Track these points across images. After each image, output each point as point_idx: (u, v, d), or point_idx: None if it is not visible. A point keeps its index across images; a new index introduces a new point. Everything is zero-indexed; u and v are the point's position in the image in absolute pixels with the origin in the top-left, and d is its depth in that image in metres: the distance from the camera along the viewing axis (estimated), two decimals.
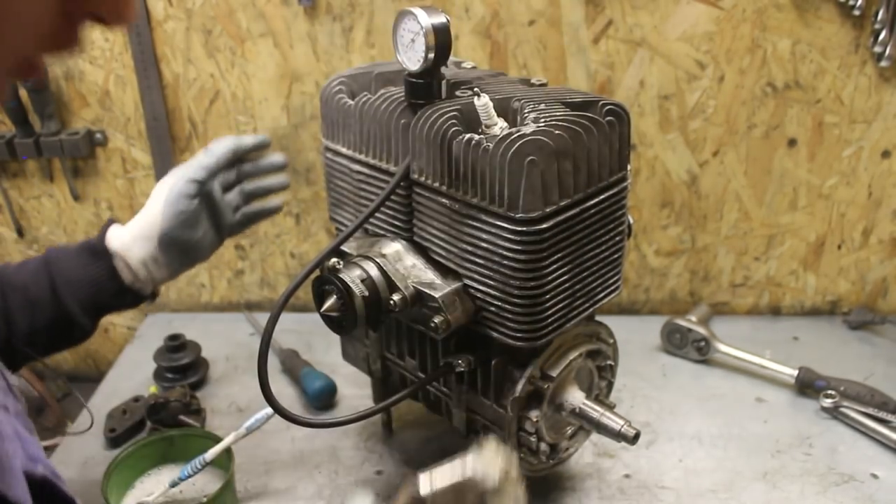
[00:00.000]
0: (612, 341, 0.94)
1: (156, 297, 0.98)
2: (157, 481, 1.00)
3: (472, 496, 0.64)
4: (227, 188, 0.99)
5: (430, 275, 0.84)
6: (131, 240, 0.92)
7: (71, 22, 0.41)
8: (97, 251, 0.92)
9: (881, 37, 1.17)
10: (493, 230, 0.78)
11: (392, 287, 0.83)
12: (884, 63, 1.19)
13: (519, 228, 0.76)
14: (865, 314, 1.33)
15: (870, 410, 1.11)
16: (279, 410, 0.83)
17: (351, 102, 0.90)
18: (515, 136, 0.75)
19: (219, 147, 0.96)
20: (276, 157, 1.01)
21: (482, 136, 0.78)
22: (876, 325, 1.33)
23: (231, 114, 1.31)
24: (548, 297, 0.80)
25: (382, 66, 0.95)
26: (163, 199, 0.92)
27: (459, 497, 0.63)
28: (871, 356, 1.27)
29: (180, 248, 0.93)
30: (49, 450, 1.13)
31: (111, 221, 0.95)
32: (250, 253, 1.42)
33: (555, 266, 0.79)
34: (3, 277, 0.90)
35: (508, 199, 0.76)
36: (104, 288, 0.91)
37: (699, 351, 1.25)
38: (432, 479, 0.63)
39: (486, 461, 0.64)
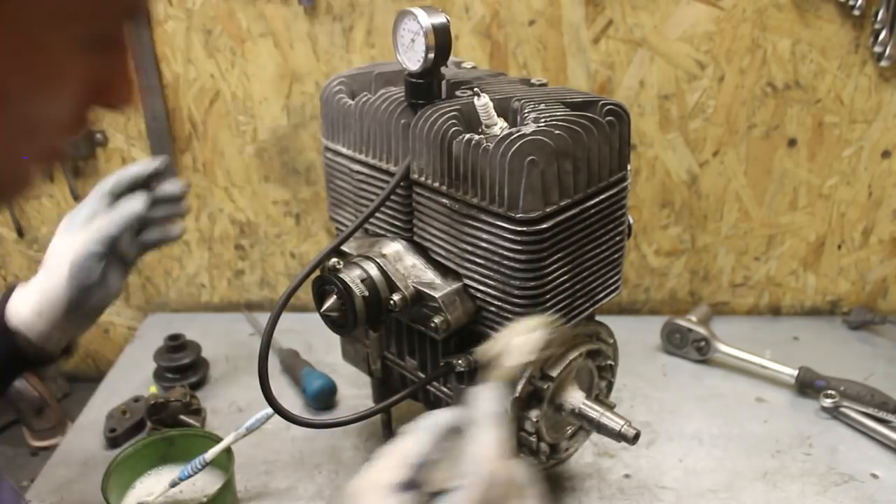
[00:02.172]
0: (612, 341, 0.94)
1: (70, 353, 0.93)
2: (157, 481, 1.00)
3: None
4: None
5: (430, 275, 0.84)
6: (33, 315, 0.85)
7: (86, 110, 0.48)
8: None
9: (881, 37, 1.17)
10: (494, 230, 0.78)
11: (392, 287, 0.83)
12: (884, 63, 1.19)
13: (519, 228, 0.76)
14: (865, 314, 1.33)
15: (870, 410, 1.11)
16: (279, 410, 0.83)
17: (351, 102, 0.90)
18: (515, 136, 0.75)
19: (123, 210, 0.87)
20: (172, 186, 0.93)
21: (482, 136, 0.78)
22: (876, 325, 1.33)
23: (231, 114, 1.31)
24: (548, 296, 0.80)
25: (383, 67, 0.95)
26: (66, 271, 0.85)
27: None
28: (871, 356, 1.27)
29: (90, 310, 0.88)
30: (49, 450, 1.13)
31: (11, 289, 0.88)
32: (250, 253, 1.42)
33: (555, 266, 0.80)
34: None
35: (508, 199, 0.76)
36: (7, 364, 0.87)
37: (699, 351, 1.25)
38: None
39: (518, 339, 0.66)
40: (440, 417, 0.62)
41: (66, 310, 0.85)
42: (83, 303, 0.86)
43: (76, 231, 0.87)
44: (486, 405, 0.62)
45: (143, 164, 0.92)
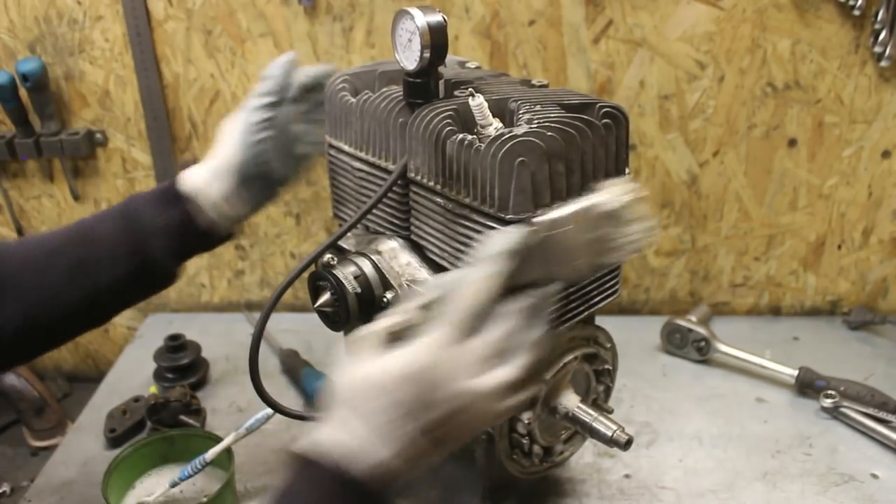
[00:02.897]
0: (609, 346, 0.93)
1: (234, 235, 0.96)
2: (157, 481, 1.00)
3: (596, 220, 0.72)
4: (296, 118, 0.94)
5: (424, 273, 0.84)
6: (210, 178, 0.89)
7: None
8: (170, 196, 0.89)
9: (881, 37, 1.17)
10: (485, 230, 0.78)
11: (386, 284, 0.83)
12: (884, 63, 1.19)
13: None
14: (865, 314, 1.33)
15: (870, 410, 1.11)
16: (272, 404, 0.84)
17: (353, 100, 0.90)
18: (507, 136, 0.75)
19: (271, 69, 0.92)
20: (315, 70, 0.95)
21: (476, 136, 0.78)
22: (876, 325, 1.33)
23: (231, 114, 1.31)
24: None
25: (386, 65, 0.95)
26: (237, 131, 0.90)
27: (585, 223, 0.71)
28: (871, 356, 1.27)
29: (261, 179, 0.91)
30: (49, 450, 1.13)
31: (189, 161, 0.93)
32: (250, 253, 1.43)
33: None
34: (83, 231, 0.88)
35: (499, 199, 0.76)
36: (180, 233, 0.88)
37: (699, 351, 1.25)
38: (550, 212, 0.70)
39: (607, 190, 0.71)
40: (445, 276, 0.70)
41: (238, 174, 0.88)
42: (255, 167, 0.89)
43: (242, 106, 0.91)
44: (488, 248, 0.67)
45: (307, 68, 0.94)
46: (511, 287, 0.68)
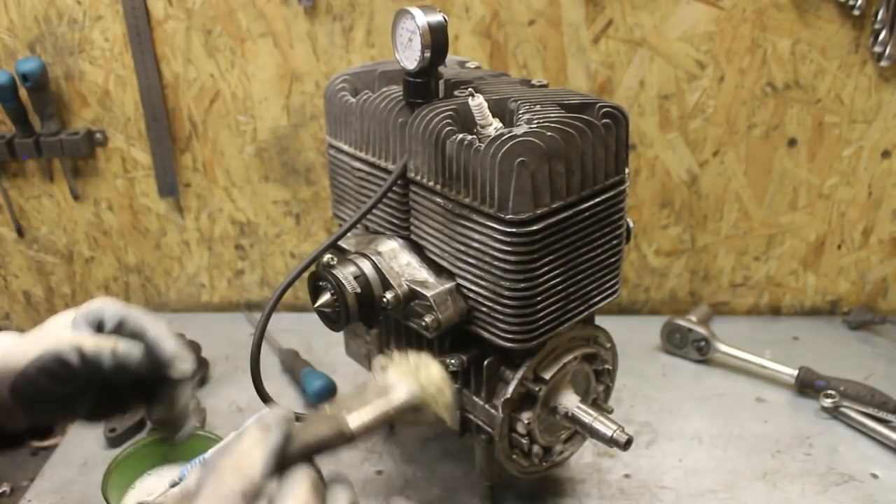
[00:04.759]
0: (609, 346, 0.94)
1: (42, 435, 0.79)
2: (157, 481, 1.00)
3: (403, 417, 0.62)
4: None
5: (423, 273, 0.84)
6: None
7: None
8: None
9: (881, 37, 1.17)
10: (485, 230, 0.78)
11: (385, 284, 0.83)
12: (884, 63, 1.19)
13: (509, 230, 0.76)
14: (865, 314, 1.33)
15: (870, 410, 1.11)
16: (267, 400, 0.84)
17: (353, 100, 0.90)
18: (507, 136, 0.75)
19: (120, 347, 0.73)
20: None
21: (476, 136, 0.78)
22: (876, 325, 1.33)
23: (231, 114, 1.31)
24: (539, 299, 0.80)
25: (387, 65, 0.95)
26: (37, 352, 0.69)
27: (387, 422, 0.61)
28: (871, 356, 1.27)
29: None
30: (49, 450, 1.13)
31: None
32: (250, 253, 1.42)
33: (547, 268, 0.79)
34: None
35: (499, 199, 0.76)
36: None
37: (699, 351, 1.25)
38: (361, 416, 0.58)
39: (397, 379, 0.61)
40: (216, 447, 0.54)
41: (9, 391, 0.69)
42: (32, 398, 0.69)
43: (82, 328, 0.74)
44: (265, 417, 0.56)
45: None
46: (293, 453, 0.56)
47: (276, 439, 0.54)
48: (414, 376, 0.63)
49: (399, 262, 0.85)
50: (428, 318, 0.81)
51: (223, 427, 1.08)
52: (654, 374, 1.24)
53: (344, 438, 0.58)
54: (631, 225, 0.89)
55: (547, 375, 0.85)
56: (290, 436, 0.56)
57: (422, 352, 0.67)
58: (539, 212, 0.76)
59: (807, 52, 1.21)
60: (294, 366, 1.22)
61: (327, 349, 1.24)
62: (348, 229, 0.84)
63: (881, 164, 1.28)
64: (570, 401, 0.88)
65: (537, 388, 0.85)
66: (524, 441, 0.87)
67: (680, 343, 1.27)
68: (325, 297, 0.83)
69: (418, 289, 0.82)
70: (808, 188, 1.30)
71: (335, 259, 0.85)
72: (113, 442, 1.11)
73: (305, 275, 0.85)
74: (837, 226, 1.33)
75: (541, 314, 0.81)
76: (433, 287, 0.82)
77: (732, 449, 1.08)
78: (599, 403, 0.93)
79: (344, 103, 0.92)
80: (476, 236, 0.79)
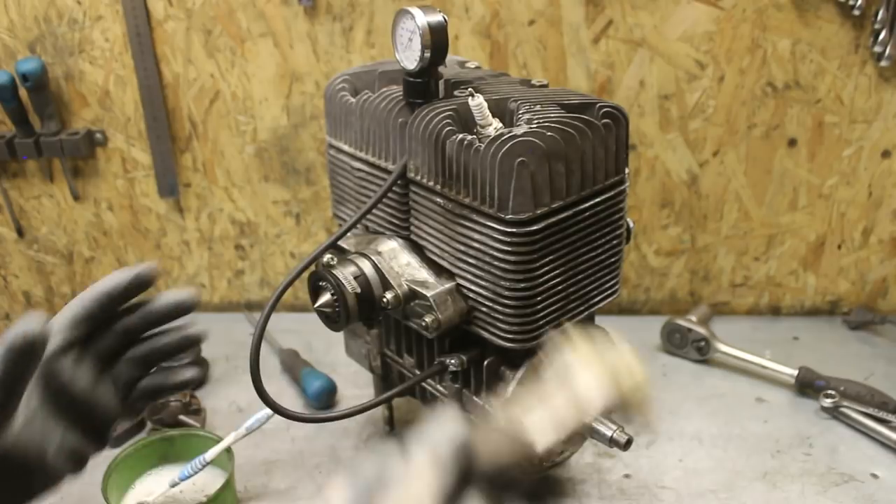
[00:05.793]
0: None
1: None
2: (157, 481, 1.00)
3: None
4: (106, 358, 0.66)
5: (423, 273, 0.84)
6: None
7: None
8: None
9: (881, 37, 1.17)
10: (485, 231, 0.78)
11: (385, 285, 0.83)
12: (884, 63, 1.19)
13: (509, 230, 0.76)
14: (865, 314, 1.33)
15: (870, 410, 1.11)
16: (272, 404, 0.84)
17: (353, 100, 0.90)
18: (507, 136, 0.75)
19: (66, 312, 0.64)
20: (175, 295, 0.70)
21: (476, 136, 0.78)
22: (876, 325, 1.33)
23: (231, 114, 1.31)
24: (539, 298, 0.80)
25: (387, 65, 0.95)
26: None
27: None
28: (871, 356, 1.27)
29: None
30: None
31: None
32: (250, 253, 1.42)
33: (546, 268, 0.79)
34: None
35: (499, 199, 0.76)
36: None
37: (699, 351, 1.25)
38: (547, 433, 0.49)
39: (582, 369, 0.50)
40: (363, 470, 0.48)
41: None
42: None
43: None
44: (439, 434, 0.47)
45: (116, 275, 0.65)
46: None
47: (450, 481, 0.45)
48: (602, 363, 0.51)
49: (399, 262, 0.86)
50: (428, 318, 0.81)
51: (223, 427, 1.08)
52: (654, 374, 1.24)
53: (532, 468, 0.48)
54: (631, 225, 0.89)
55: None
56: (467, 472, 0.46)
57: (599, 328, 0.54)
58: (539, 212, 0.77)
59: (807, 52, 1.21)
60: (294, 366, 1.22)
61: (327, 349, 1.24)
62: (348, 229, 0.84)
63: (881, 164, 1.28)
64: None
65: None
66: None
67: (680, 343, 1.27)
68: (325, 297, 0.83)
69: (418, 289, 0.82)
70: (808, 188, 1.30)
71: (335, 259, 0.85)
72: (113, 442, 1.11)
73: (305, 275, 0.85)
74: (837, 226, 1.33)
75: (541, 314, 0.81)
76: (433, 287, 0.82)
77: (732, 449, 1.08)
78: None
79: (344, 103, 0.92)
80: (476, 236, 0.79)
